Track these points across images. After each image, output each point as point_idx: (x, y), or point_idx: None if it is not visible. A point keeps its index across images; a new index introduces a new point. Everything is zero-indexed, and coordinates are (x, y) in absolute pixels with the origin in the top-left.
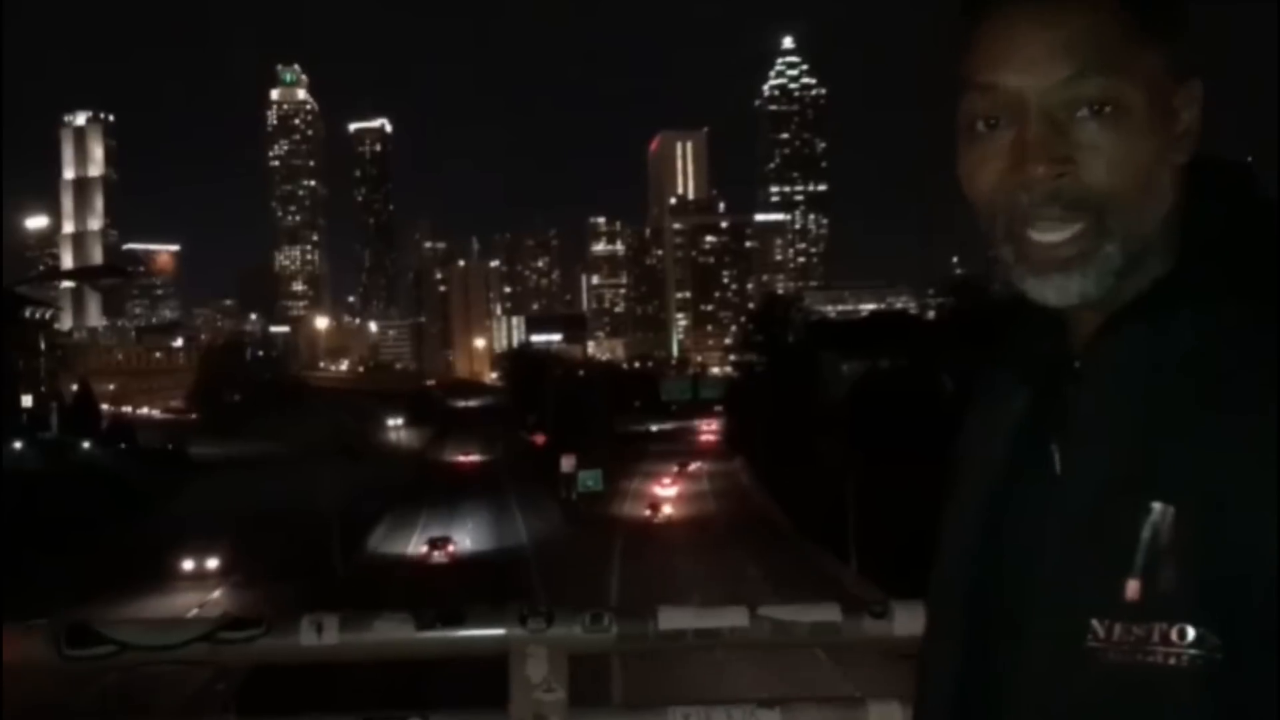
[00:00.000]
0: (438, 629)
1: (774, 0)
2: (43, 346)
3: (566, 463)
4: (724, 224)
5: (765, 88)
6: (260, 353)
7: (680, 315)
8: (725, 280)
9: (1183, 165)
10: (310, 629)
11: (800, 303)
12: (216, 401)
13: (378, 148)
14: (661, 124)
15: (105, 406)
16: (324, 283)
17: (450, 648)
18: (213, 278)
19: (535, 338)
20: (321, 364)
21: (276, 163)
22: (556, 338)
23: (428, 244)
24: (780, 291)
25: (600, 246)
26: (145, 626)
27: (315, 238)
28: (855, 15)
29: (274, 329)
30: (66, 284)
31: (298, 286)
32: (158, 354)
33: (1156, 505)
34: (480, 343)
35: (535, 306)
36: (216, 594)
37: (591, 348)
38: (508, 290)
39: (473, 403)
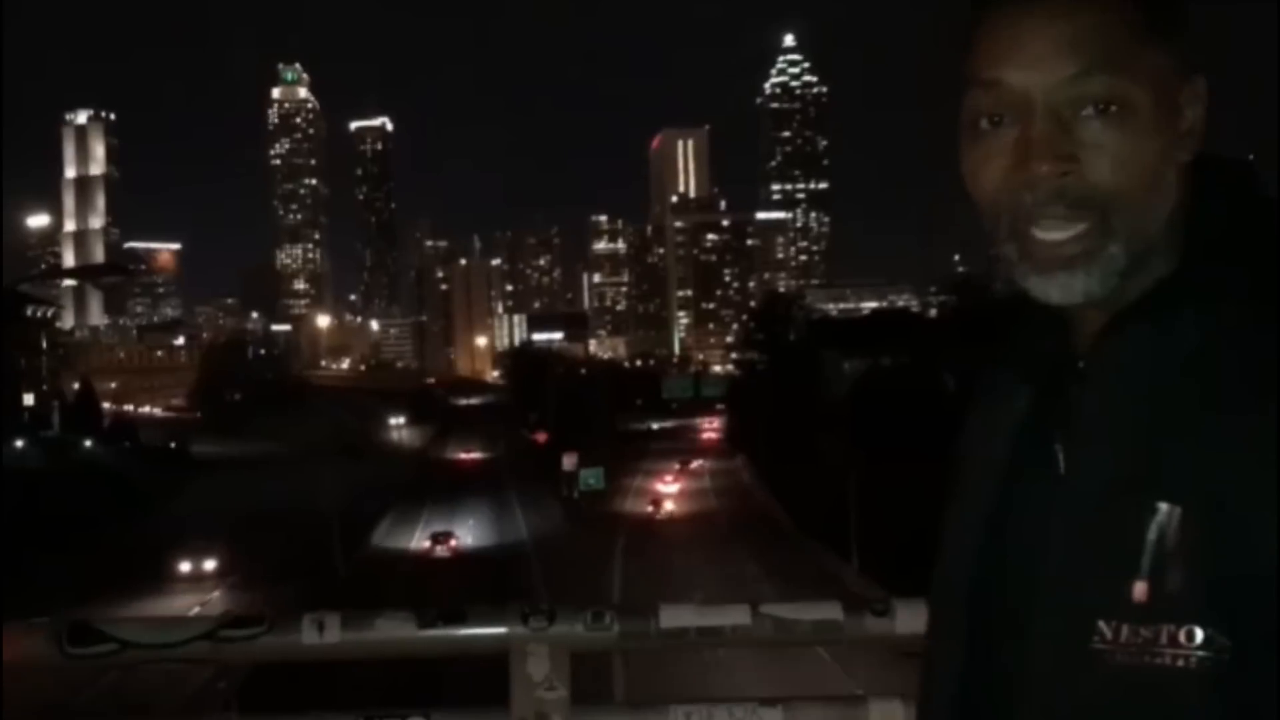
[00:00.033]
0: (439, 627)
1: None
2: (44, 345)
3: (568, 461)
4: (725, 222)
5: (766, 85)
6: (262, 351)
7: (682, 313)
8: (727, 278)
9: (1187, 163)
10: (312, 627)
11: (802, 301)
12: (218, 400)
13: (379, 146)
14: (662, 123)
15: (107, 405)
16: (325, 281)
17: (452, 646)
18: (214, 276)
19: (537, 336)
20: (323, 362)
21: (278, 161)
22: (558, 336)
23: (429, 242)
24: (782, 289)
25: (602, 245)
26: (147, 625)
27: (317, 236)
28: (855, 15)
29: (275, 327)
30: (68, 282)
31: (299, 285)
32: (159, 352)
33: (1163, 506)
34: (482, 341)
35: (537, 305)
36: (216, 594)
37: (593, 346)
38: (509, 288)
39: (474, 401)
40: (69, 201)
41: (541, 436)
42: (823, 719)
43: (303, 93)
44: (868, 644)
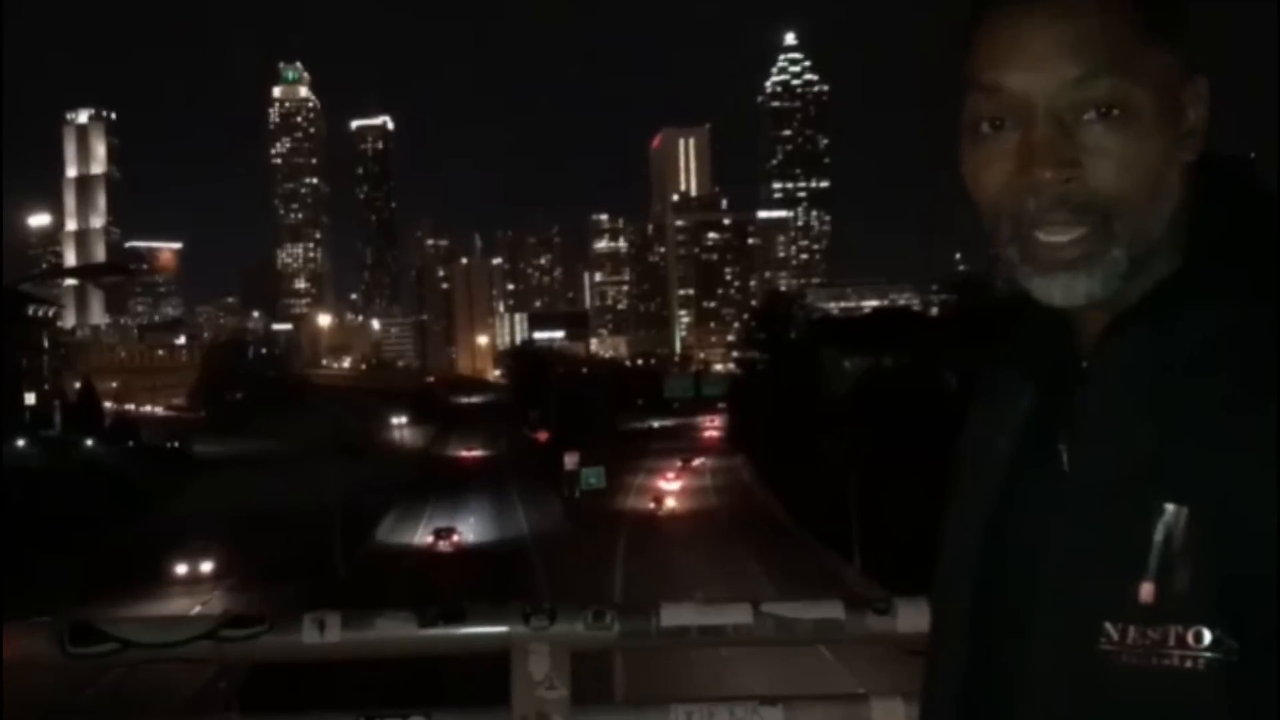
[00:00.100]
0: (440, 626)
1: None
2: (46, 344)
3: (569, 460)
4: (726, 221)
5: (767, 84)
6: (263, 350)
7: (683, 312)
8: (728, 277)
9: (1190, 163)
10: (312, 627)
11: (803, 299)
12: (219, 399)
13: (379, 145)
14: (663, 122)
15: (108, 404)
16: (326, 280)
17: (452, 645)
18: (215, 275)
19: (538, 335)
20: (324, 362)
21: (279, 160)
22: (559, 335)
23: (430, 241)
24: (783, 288)
25: (602, 244)
26: (148, 624)
27: (317, 235)
28: (855, 14)
29: (276, 327)
30: (69, 282)
31: (300, 284)
32: (160, 352)
33: (1169, 506)
34: (483, 340)
35: (538, 304)
36: (216, 594)
37: (594, 345)
38: (510, 287)
39: (475, 400)
40: (70, 201)
41: (543, 435)
42: (824, 718)
43: (303, 92)
44: (869, 642)
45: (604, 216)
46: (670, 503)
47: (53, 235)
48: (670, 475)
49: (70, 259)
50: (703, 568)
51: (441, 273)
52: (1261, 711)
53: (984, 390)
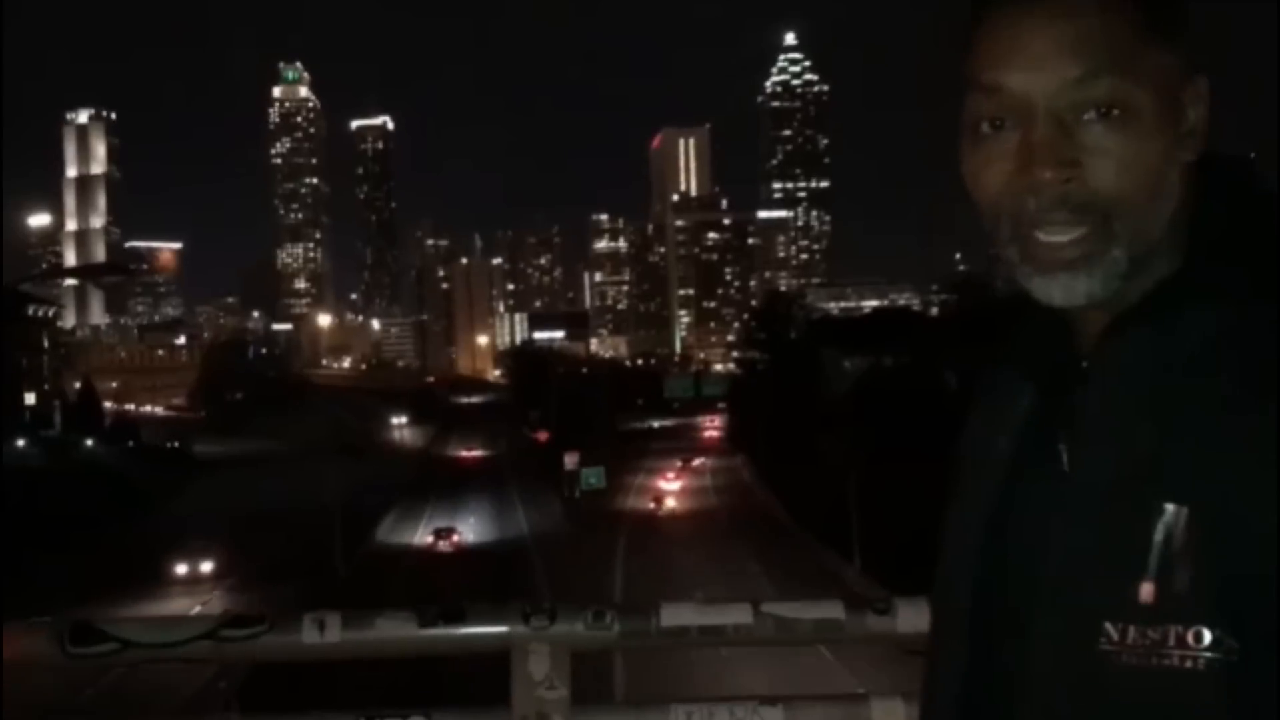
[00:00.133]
0: (440, 626)
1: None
2: (46, 344)
3: (569, 460)
4: (726, 221)
5: (767, 84)
6: (263, 350)
7: (683, 312)
8: (728, 277)
9: (1190, 163)
10: (313, 627)
11: (803, 299)
12: (219, 399)
13: (379, 145)
14: (663, 122)
15: (108, 404)
16: (326, 280)
17: (453, 645)
18: (215, 275)
19: (538, 335)
20: (324, 362)
21: (279, 160)
22: (559, 335)
23: (430, 241)
24: (783, 288)
25: (602, 244)
26: (148, 624)
27: (317, 235)
28: (855, 14)
29: (276, 327)
30: (69, 281)
31: (300, 284)
32: (160, 352)
33: (1170, 507)
34: (483, 340)
35: (538, 304)
36: (216, 594)
37: (594, 345)
38: (510, 288)
39: (475, 400)
40: (70, 201)
41: (543, 435)
42: (824, 717)
43: (303, 91)
44: (869, 642)
45: (604, 216)
46: (670, 502)
47: (53, 235)
48: (670, 475)
49: (70, 259)
50: (703, 567)
51: (441, 273)
52: (1262, 712)
53: (984, 390)
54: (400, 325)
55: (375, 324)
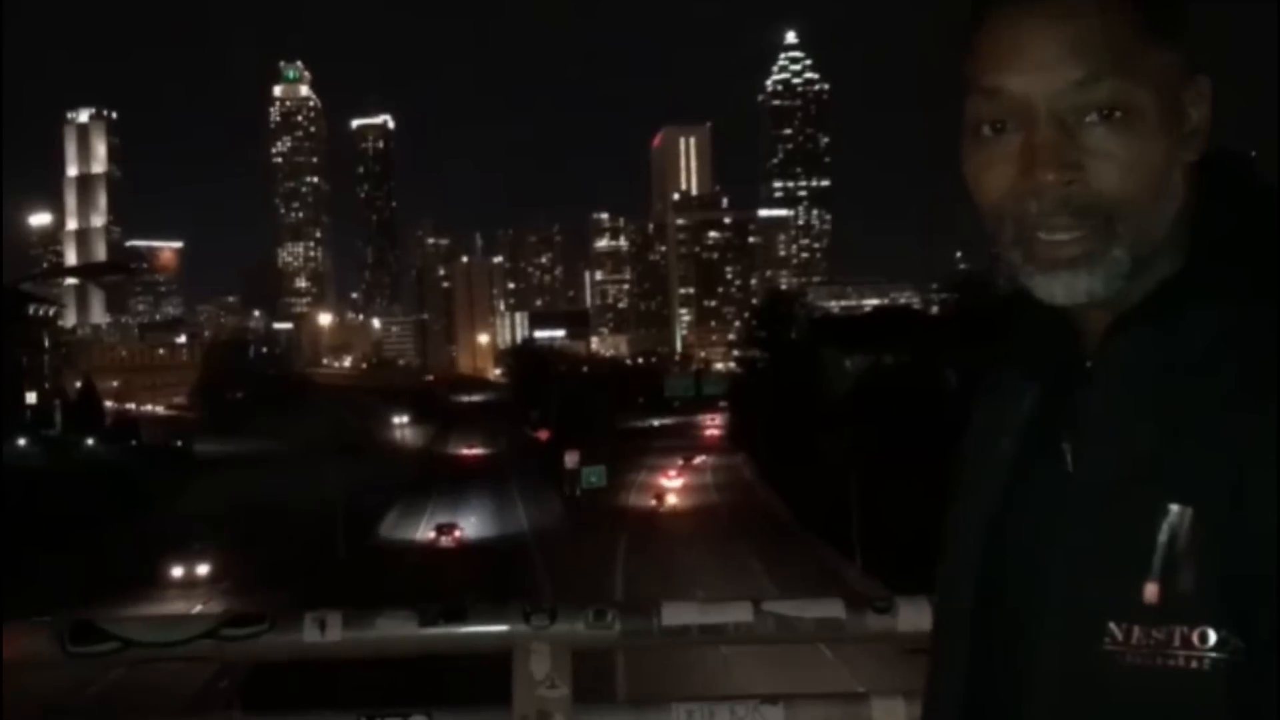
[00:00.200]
0: (441, 625)
1: None
2: (46, 343)
3: (570, 458)
4: (727, 219)
5: (768, 83)
6: (263, 349)
7: (683, 311)
8: (728, 276)
9: (1192, 163)
10: (313, 626)
11: (803, 298)
12: (220, 398)
13: (380, 144)
14: (663, 121)
15: (109, 403)
16: (327, 279)
17: (453, 644)
18: (216, 274)
19: (539, 334)
20: (324, 361)
21: (279, 159)
22: (560, 334)
23: (430, 241)
24: (783, 287)
25: (603, 242)
26: (149, 623)
27: (318, 234)
28: (855, 15)
29: (277, 326)
30: (70, 281)
31: (301, 283)
32: (161, 351)
33: (1174, 507)
34: (484, 339)
35: (538, 303)
36: (216, 594)
37: (595, 344)
38: (511, 286)
39: (476, 399)
40: (71, 200)
41: (543, 434)
42: (825, 717)
43: (304, 91)
44: (870, 641)
45: (605, 215)
46: (671, 499)
47: (53, 234)
48: (672, 472)
49: (71, 258)
50: (704, 565)
51: (442, 272)
52: (1266, 712)
53: (986, 390)
54: (401, 324)
55: (376, 323)
